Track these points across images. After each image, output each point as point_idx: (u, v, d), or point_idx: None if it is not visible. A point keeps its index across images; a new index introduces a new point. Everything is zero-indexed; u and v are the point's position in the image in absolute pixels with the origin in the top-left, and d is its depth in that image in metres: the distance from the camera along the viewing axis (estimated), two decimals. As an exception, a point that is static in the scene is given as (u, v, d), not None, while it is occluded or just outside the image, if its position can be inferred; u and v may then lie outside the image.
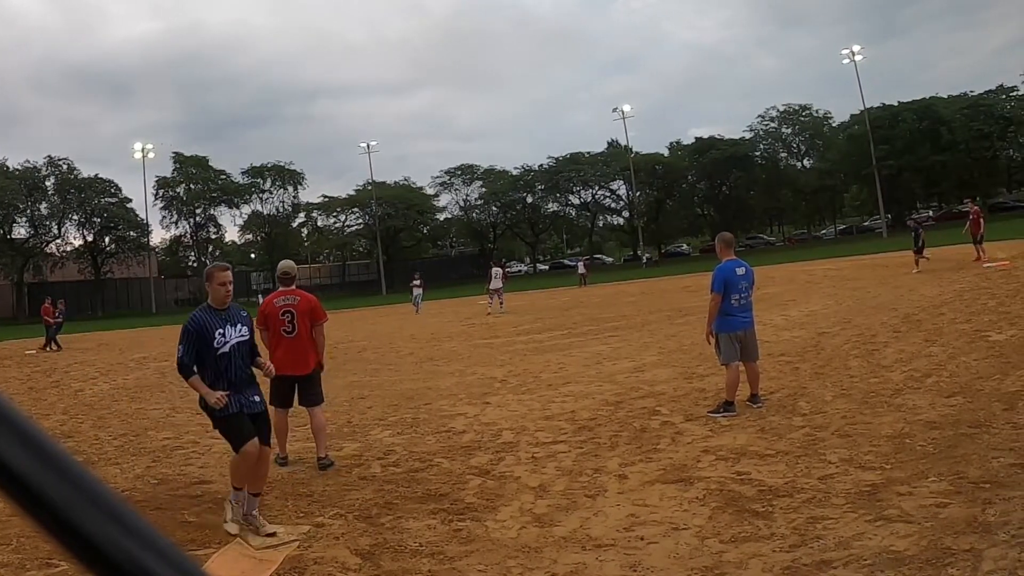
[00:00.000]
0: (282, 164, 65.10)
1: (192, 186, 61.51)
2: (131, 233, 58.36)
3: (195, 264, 66.26)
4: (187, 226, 63.04)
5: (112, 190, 57.98)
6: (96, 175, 57.99)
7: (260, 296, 36.98)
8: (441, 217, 70.37)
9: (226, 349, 4.71)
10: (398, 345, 16.47)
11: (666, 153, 67.38)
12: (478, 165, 68.76)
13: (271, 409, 5.49)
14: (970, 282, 15.43)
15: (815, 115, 64.24)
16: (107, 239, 58.52)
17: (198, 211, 62.45)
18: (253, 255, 69.27)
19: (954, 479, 4.42)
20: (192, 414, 9.39)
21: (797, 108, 63.94)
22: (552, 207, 68.33)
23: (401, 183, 67.83)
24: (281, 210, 66.20)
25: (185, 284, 64.64)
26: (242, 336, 4.82)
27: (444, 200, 69.26)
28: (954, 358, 8.04)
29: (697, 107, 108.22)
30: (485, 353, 13.52)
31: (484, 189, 67.59)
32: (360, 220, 66.60)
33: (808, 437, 5.79)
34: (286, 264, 6.56)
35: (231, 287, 4.89)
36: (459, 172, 68.57)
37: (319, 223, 68.67)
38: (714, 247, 7.54)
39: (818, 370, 8.42)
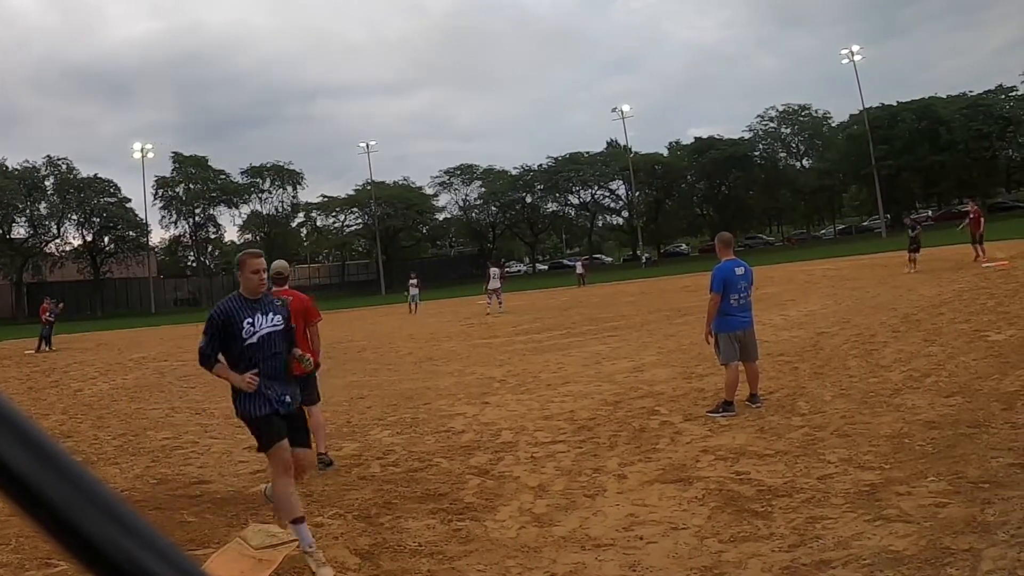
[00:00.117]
0: (281, 164, 65.21)
1: (191, 186, 61.44)
2: (130, 233, 58.37)
3: (194, 264, 66.33)
4: (186, 226, 63.00)
5: (111, 190, 58.01)
6: (95, 175, 58.12)
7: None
8: (440, 217, 70.50)
9: (255, 340, 4.26)
10: (397, 345, 16.48)
11: (665, 153, 67.45)
12: (477, 165, 68.92)
13: None
14: (969, 282, 15.44)
15: (814, 115, 64.30)
16: (106, 239, 58.52)
17: (197, 211, 62.38)
18: (252, 255, 69.14)
19: (953, 479, 4.43)
20: (191, 414, 9.40)
21: (796, 108, 63.99)
22: (551, 207, 68.37)
23: (400, 183, 67.87)
24: (280, 210, 66.27)
25: (184, 284, 64.70)
26: (275, 326, 4.34)
27: (443, 200, 69.46)
28: (953, 358, 8.04)
29: (697, 107, 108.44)
30: (484, 353, 13.52)
31: (483, 189, 67.61)
32: (359, 220, 66.62)
33: (807, 437, 5.79)
34: (279, 264, 6.56)
35: (265, 275, 4.48)
36: (458, 172, 68.60)
37: (318, 223, 68.75)
38: (713, 247, 7.55)
39: (817, 370, 8.42)
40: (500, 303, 24.20)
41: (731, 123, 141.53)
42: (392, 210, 63.62)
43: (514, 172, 67.56)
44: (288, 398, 4.35)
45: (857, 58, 54.73)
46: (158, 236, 64.21)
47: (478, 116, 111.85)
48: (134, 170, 62.76)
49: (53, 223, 56.52)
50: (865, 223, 64.69)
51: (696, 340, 10.16)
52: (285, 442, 4.26)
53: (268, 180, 65.10)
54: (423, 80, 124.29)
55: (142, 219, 58.97)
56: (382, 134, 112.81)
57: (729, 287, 6.96)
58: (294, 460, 4.31)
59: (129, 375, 14.50)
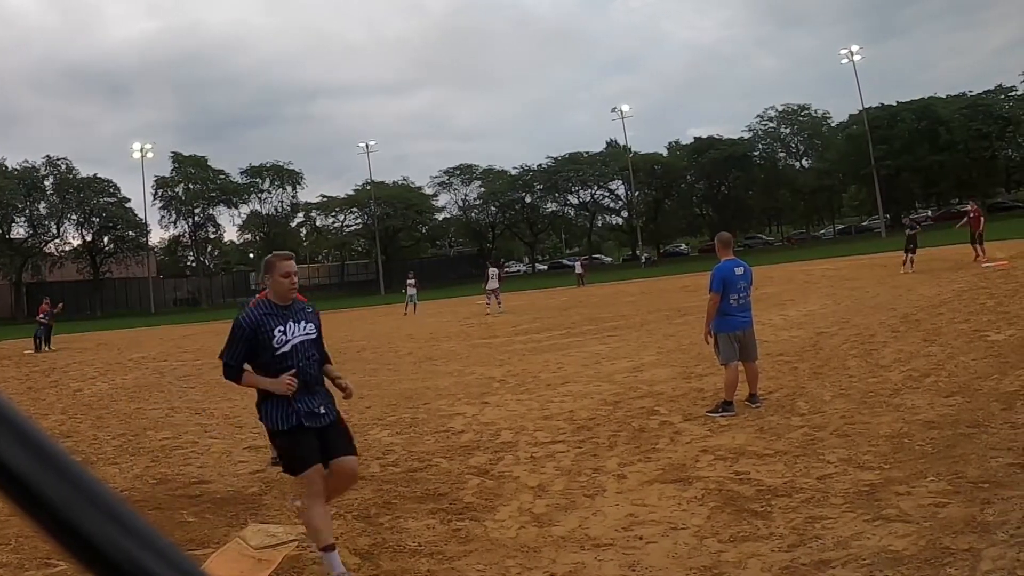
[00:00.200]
0: (281, 164, 65.23)
1: (191, 186, 61.46)
2: (130, 233, 58.40)
3: (193, 264, 66.34)
4: (186, 226, 63.04)
5: (111, 190, 58.03)
6: (95, 175, 58.16)
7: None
8: (440, 217, 70.49)
9: (287, 348, 3.97)
10: (396, 345, 16.48)
11: (665, 153, 67.44)
12: (477, 165, 68.90)
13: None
14: (969, 282, 15.44)
15: (814, 115, 64.32)
16: (106, 239, 58.54)
17: (197, 211, 62.41)
18: (252, 255, 69.26)
19: (953, 479, 4.43)
20: (191, 414, 9.40)
21: (796, 108, 64.01)
22: (551, 207, 68.37)
23: (400, 183, 67.85)
24: (280, 210, 66.29)
25: (184, 284, 64.73)
26: (307, 334, 4.07)
27: (443, 200, 69.45)
28: (953, 358, 8.04)
29: (696, 107, 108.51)
30: (483, 353, 13.52)
31: (483, 189, 67.57)
32: (359, 220, 66.61)
33: (807, 437, 5.79)
34: None
35: (296, 279, 4.12)
36: (458, 172, 68.58)
37: (318, 223, 68.72)
38: (713, 247, 7.55)
39: (817, 370, 8.42)
40: (499, 303, 24.22)
41: (730, 123, 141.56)
42: (391, 210, 63.61)
43: (513, 172, 67.58)
44: (322, 409, 4.01)
45: (856, 58, 54.81)
46: (157, 236, 64.43)
47: (478, 116, 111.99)
48: (134, 170, 62.87)
49: (53, 223, 56.55)
50: (864, 223, 64.65)
51: (695, 340, 10.15)
52: (317, 467, 3.88)
53: (268, 180, 65.11)
54: (423, 80, 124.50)
55: (141, 219, 59.09)
56: (382, 134, 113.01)
57: (728, 287, 6.96)
58: (334, 469, 3.95)
59: (128, 375, 14.49)
